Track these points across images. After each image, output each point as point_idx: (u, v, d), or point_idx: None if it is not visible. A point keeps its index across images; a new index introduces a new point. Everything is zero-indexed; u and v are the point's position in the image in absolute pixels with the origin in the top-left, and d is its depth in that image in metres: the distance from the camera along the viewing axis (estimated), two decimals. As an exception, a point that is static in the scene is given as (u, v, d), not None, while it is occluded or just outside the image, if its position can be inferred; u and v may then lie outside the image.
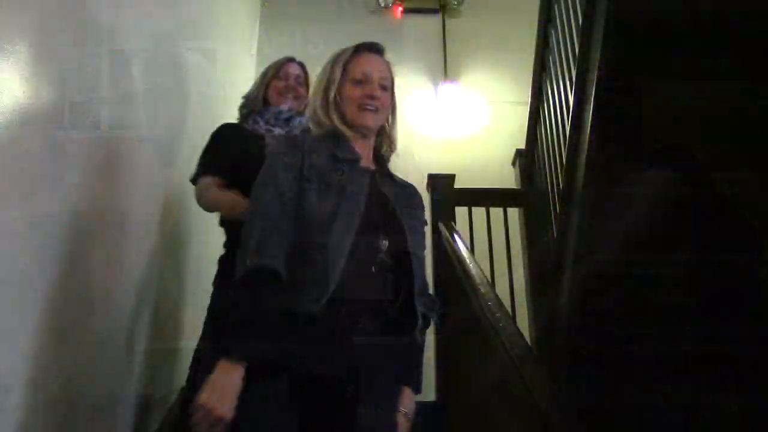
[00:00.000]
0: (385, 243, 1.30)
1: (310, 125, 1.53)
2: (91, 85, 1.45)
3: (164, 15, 2.08)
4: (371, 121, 1.43)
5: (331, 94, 1.43)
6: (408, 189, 1.49)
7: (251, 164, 1.43)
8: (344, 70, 1.44)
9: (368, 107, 1.41)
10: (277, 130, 2.01)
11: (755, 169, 2.21)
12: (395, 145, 1.52)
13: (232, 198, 1.82)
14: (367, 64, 1.45)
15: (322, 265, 1.22)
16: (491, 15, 4.78)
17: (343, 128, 1.43)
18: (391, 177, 1.47)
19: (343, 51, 1.47)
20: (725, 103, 2.14)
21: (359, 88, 1.42)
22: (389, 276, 1.30)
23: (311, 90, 1.56)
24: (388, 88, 1.47)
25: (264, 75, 2.16)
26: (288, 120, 2.04)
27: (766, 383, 2.19)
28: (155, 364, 2.04)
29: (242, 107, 2.17)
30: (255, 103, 2.11)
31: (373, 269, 1.28)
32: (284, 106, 2.08)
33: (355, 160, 1.39)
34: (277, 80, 2.12)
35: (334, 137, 1.41)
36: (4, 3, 1.07)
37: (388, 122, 1.49)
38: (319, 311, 1.19)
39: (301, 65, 2.20)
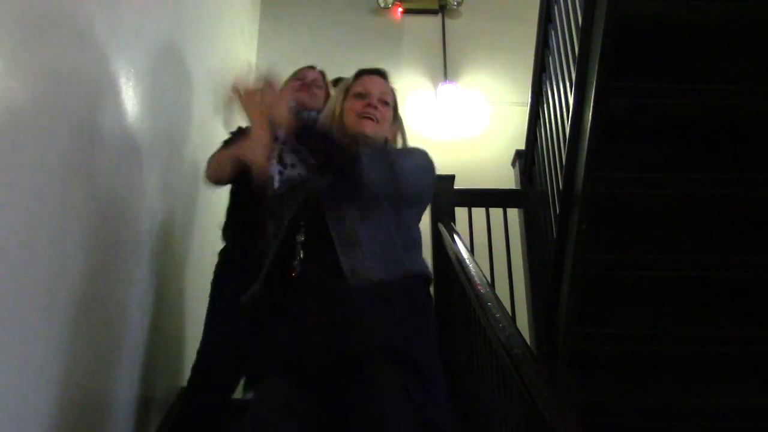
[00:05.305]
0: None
1: None
2: (91, 85, 1.45)
3: (164, 14, 2.08)
4: (369, 128, 1.47)
5: (337, 110, 1.51)
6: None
7: None
8: (347, 90, 1.53)
9: (367, 116, 1.47)
10: None
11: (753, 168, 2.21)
12: None
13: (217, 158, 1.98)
14: (368, 81, 1.53)
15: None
16: (491, 16, 4.78)
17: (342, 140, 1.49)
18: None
19: (349, 78, 1.58)
20: (724, 103, 2.15)
21: (360, 101, 1.49)
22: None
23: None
24: (390, 103, 1.53)
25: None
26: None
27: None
28: (155, 365, 2.04)
29: None
30: None
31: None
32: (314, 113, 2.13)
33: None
34: (294, 81, 2.18)
35: None
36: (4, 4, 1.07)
37: (393, 139, 1.56)
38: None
39: (322, 73, 2.25)
